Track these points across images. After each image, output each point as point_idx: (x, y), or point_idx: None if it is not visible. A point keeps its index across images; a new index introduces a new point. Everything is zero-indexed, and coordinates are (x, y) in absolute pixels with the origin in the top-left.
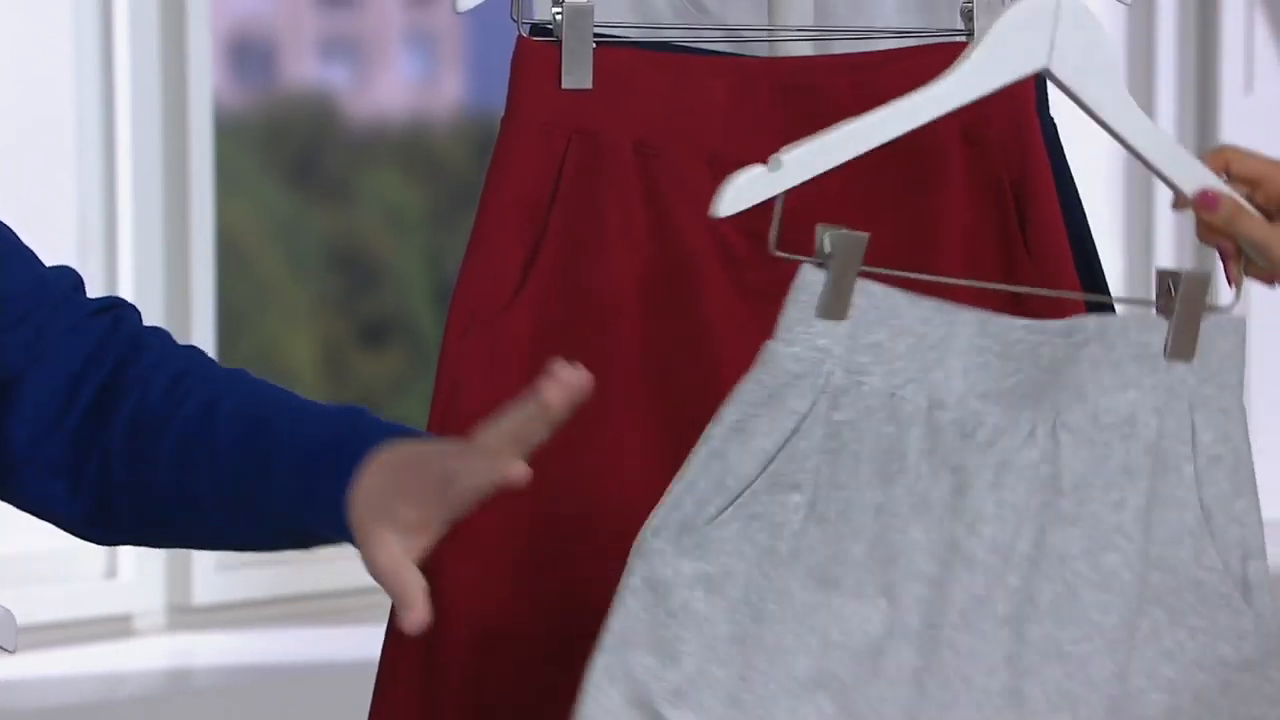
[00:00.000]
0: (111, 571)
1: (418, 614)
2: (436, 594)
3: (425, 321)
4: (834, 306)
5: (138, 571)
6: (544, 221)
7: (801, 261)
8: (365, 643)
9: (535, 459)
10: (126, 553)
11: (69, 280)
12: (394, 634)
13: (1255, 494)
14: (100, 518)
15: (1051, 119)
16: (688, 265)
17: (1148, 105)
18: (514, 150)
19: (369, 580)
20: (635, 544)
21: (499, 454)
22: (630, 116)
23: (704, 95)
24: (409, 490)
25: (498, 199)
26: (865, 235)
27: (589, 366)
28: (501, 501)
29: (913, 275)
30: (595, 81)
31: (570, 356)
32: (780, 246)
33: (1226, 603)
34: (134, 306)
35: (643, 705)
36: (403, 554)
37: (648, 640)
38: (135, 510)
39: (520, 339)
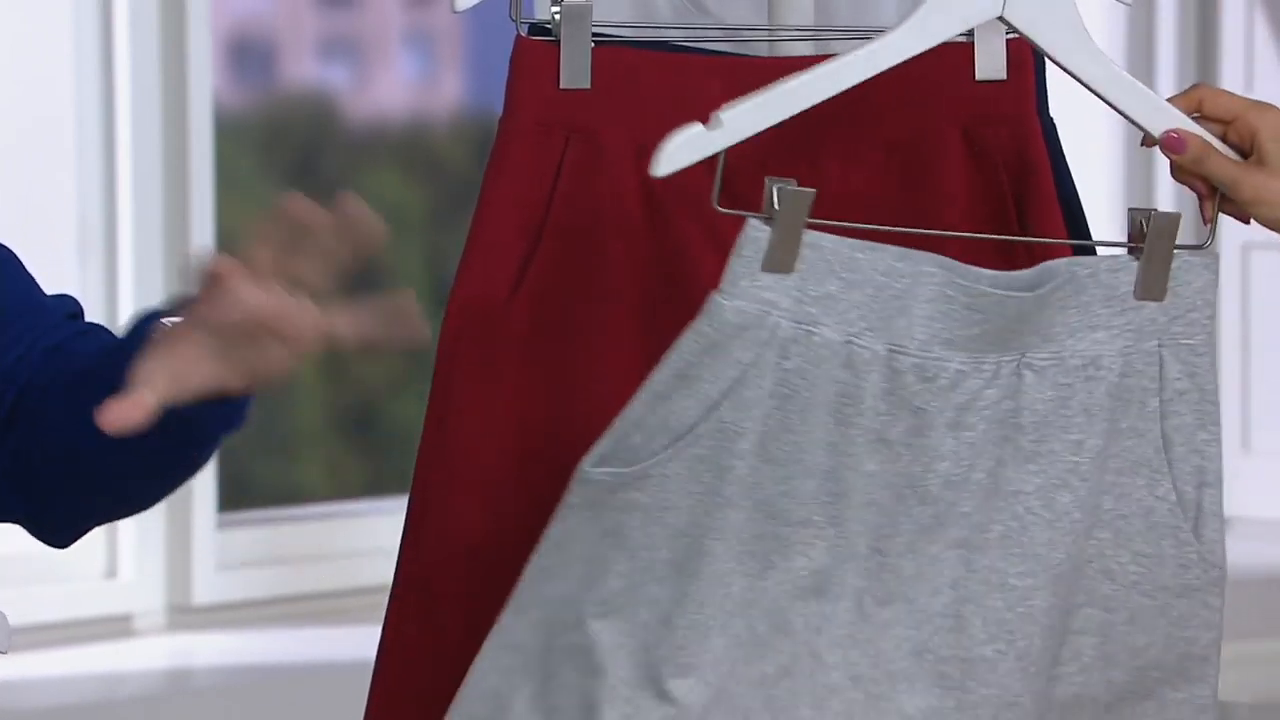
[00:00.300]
0: (111, 571)
1: (115, 410)
2: (434, 596)
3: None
4: (780, 259)
5: (138, 571)
6: (542, 220)
7: (747, 217)
8: (365, 643)
9: (537, 468)
10: (126, 553)
11: (67, 308)
12: (390, 632)
13: (1218, 427)
14: (39, 514)
15: (1051, 120)
16: (685, 264)
17: None
18: (512, 149)
19: (369, 580)
20: (575, 473)
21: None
22: (629, 116)
23: (703, 95)
24: (177, 324)
25: (496, 198)
26: (812, 191)
27: (587, 367)
28: (499, 511)
29: (870, 227)
30: (594, 81)
31: (567, 356)
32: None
33: (1174, 533)
34: (107, 329)
35: (567, 608)
36: (155, 369)
37: (581, 554)
38: (54, 484)
39: (516, 338)
